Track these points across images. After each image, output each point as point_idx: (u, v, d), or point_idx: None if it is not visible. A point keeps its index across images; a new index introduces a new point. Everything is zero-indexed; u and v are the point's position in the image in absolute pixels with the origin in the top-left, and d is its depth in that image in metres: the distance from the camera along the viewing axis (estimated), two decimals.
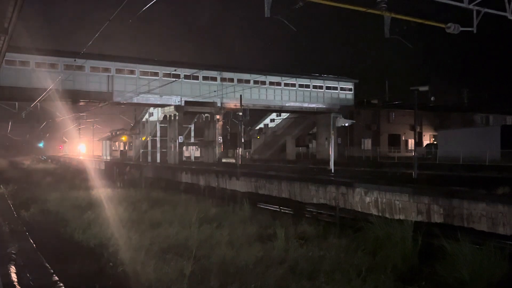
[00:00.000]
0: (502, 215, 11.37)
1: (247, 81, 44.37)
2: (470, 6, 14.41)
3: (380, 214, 13.69)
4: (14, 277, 7.41)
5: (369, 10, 13.78)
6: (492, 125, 55.01)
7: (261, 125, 62.82)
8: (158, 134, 47.21)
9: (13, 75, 34.50)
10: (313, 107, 48.62)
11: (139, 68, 40.31)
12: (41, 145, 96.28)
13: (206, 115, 44.83)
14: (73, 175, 28.14)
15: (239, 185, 23.22)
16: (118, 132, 63.17)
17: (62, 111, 44.31)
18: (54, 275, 7.50)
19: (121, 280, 7.43)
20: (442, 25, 14.77)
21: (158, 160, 46.51)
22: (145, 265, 7.55)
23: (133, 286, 7.16)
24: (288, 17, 13.07)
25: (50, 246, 9.81)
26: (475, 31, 14.82)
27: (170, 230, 10.31)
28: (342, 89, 50.61)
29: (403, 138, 56.39)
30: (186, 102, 41.69)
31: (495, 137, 34.50)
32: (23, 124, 68.24)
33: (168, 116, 43.95)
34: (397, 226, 9.35)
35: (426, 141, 56.17)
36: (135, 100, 39.87)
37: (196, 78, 42.28)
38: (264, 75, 45.44)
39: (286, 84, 46.67)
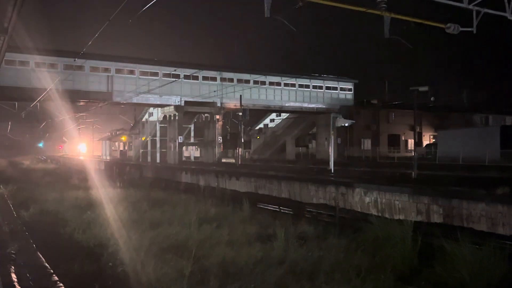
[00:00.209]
0: (502, 215, 11.38)
1: (247, 81, 44.37)
2: (470, 6, 14.43)
3: (380, 214, 13.69)
4: (14, 277, 7.41)
5: (369, 10, 13.79)
6: (492, 125, 55.02)
7: (261, 125, 62.84)
8: (158, 134, 47.21)
9: (13, 75, 34.49)
10: (312, 107, 48.63)
11: (138, 68, 40.31)
12: (40, 145, 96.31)
13: (206, 115, 44.82)
14: (72, 175, 28.13)
15: (239, 185, 23.23)
16: (117, 132, 63.19)
17: (61, 111, 44.30)
18: (54, 275, 7.50)
19: (121, 280, 7.43)
20: (442, 25, 14.78)
21: (158, 160, 46.52)
22: (145, 265, 7.55)
23: (133, 286, 7.16)
24: (287, 17, 13.08)
25: (50, 246, 9.80)
26: (475, 31, 14.83)
27: (170, 230, 10.30)
28: (341, 89, 50.62)
29: (403, 138, 56.40)
30: (186, 102, 41.69)
31: (495, 138, 34.51)
32: (22, 124, 68.22)
33: (168, 116, 43.95)
34: (396, 226, 9.35)
35: (425, 141, 56.17)
36: (134, 100, 39.87)
37: (196, 78, 42.29)
38: (264, 75, 45.43)
39: (286, 84, 46.67)
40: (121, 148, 65.10)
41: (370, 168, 28.02)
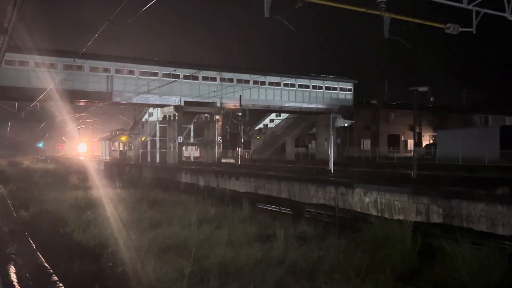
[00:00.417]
0: (501, 216, 11.39)
1: (247, 81, 44.37)
2: (470, 7, 14.44)
3: (380, 215, 13.69)
4: (13, 277, 7.41)
5: (369, 11, 13.80)
6: (491, 125, 55.03)
7: (261, 125, 62.86)
8: (158, 134, 47.21)
9: (13, 75, 34.51)
10: (312, 108, 48.64)
11: (138, 68, 40.32)
12: (40, 145, 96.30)
13: (205, 115, 44.83)
14: (72, 175, 28.12)
15: (239, 185, 23.23)
16: (117, 132, 63.16)
17: (61, 111, 44.31)
18: (54, 275, 7.50)
19: (121, 280, 7.43)
20: (442, 26, 14.79)
21: (158, 160, 46.52)
22: (145, 265, 7.55)
23: (133, 286, 7.16)
24: (287, 18, 13.10)
25: (50, 246, 9.80)
26: (474, 32, 14.85)
27: (169, 230, 10.30)
28: (341, 89, 50.63)
29: (403, 139, 56.43)
30: (185, 102, 41.69)
31: (494, 138, 34.52)
32: (22, 124, 68.22)
33: (167, 116, 43.94)
34: (396, 227, 9.35)
35: (425, 141, 56.20)
36: (134, 100, 39.88)
37: (196, 78, 42.29)
38: (264, 75, 45.44)
39: (285, 84, 46.69)
40: (121, 148, 65.11)
41: (369, 168, 28.02)
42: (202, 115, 45.29)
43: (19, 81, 34.68)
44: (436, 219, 13.03)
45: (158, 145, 47.38)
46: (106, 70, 38.93)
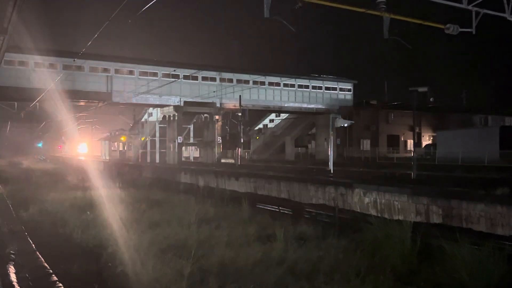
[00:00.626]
0: (501, 216, 11.40)
1: (246, 82, 44.39)
2: (469, 7, 14.44)
3: (379, 215, 13.71)
4: (13, 277, 7.40)
5: (368, 11, 13.81)
6: (491, 126, 55.05)
7: (260, 126, 62.87)
8: (157, 134, 47.21)
9: (12, 75, 34.52)
10: (312, 108, 48.65)
11: (138, 68, 40.33)
12: (40, 145, 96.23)
13: (205, 115, 44.85)
14: (72, 175, 28.10)
15: (238, 186, 23.23)
16: (117, 133, 63.13)
17: (61, 111, 44.29)
18: (53, 275, 7.49)
19: (120, 281, 7.42)
20: (441, 26, 14.80)
21: (157, 161, 46.50)
22: (144, 265, 7.55)
23: (132, 286, 7.16)
24: (287, 18, 13.10)
25: (49, 246, 9.79)
26: (474, 32, 14.85)
27: (169, 230, 10.29)
28: (341, 89, 50.66)
29: (402, 139, 56.43)
30: (185, 102, 41.70)
31: (494, 138, 34.55)
32: (22, 124, 68.20)
33: (167, 116, 43.95)
34: (396, 227, 9.35)
35: (425, 142, 56.20)
36: (134, 100, 39.90)
37: (196, 78, 42.30)
38: (263, 75, 45.46)
39: (285, 85, 46.70)
40: (121, 149, 65.04)
41: (369, 168, 28.04)
42: (202, 115, 45.30)
43: (19, 81, 34.69)
44: (435, 219, 13.04)
45: (157, 145, 47.38)
46: (105, 70, 38.93)
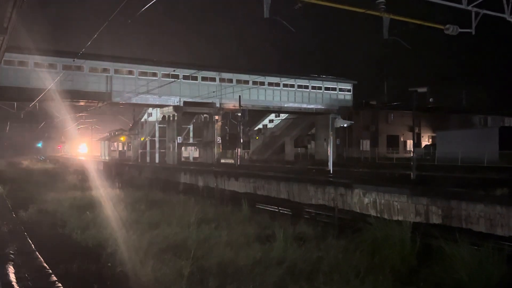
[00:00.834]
0: (500, 216, 11.39)
1: (246, 82, 44.38)
2: (469, 8, 14.45)
3: (379, 215, 13.70)
4: (12, 277, 7.40)
5: (368, 11, 13.81)
6: (491, 126, 55.09)
7: (260, 126, 62.86)
8: (157, 134, 47.18)
9: (12, 75, 34.49)
10: (312, 108, 48.65)
11: (138, 68, 40.31)
12: (39, 145, 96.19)
13: (205, 115, 44.83)
14: (71, 176, 28.10)
15: (238, 186, 23.22)
16: (116, 133, 63.11)
17: (60, 111, 44.29)
18: (53, 276, 7.49)
19: (120, 281, 7.43)
20: (441, 27, 14.81)
21: (157, 161, 46.48)
22: (144, 265, 7.55)
23: (132, 286, 7.16)
24: (286, 18, 13.10)
25: (49, 246, 9.79)
26: (473, 33, 14.86)
27: (168, 230, 10.30)
28: (340, 90, 50.66)
29: (402, 139, 56.43)
30: (185, 102, 41.68)
31: (494, 139, 34.57)
32: (21, 124, 68.15)
33: (167, 116, 43.93)
34: (395, 227, 9.36)
35: (424, 142, 56.21)
36: (133, 101, 39.86)
37: (195, 78, 42.29)
38: (263, 75, 45.46)
39: (285, 85, 46.70)
40: (120, 149, 65.00)
41: (369, 169, 28.03)
42: (202, 115, 45.28)
43: (18, 81, 34.65)
44: (435, 219, 13.03)
45: (157, 145, 47.35)
46: (105, 70, 38.91)
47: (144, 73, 40.54)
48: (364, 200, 15.57)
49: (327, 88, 49.74)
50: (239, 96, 38.86)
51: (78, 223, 11.59)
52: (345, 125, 27.89)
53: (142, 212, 13.20)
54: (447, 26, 14.60)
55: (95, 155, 71.86)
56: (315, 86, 49.06)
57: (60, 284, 7.05)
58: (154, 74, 40.73)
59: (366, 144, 53.20)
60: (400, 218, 13.33)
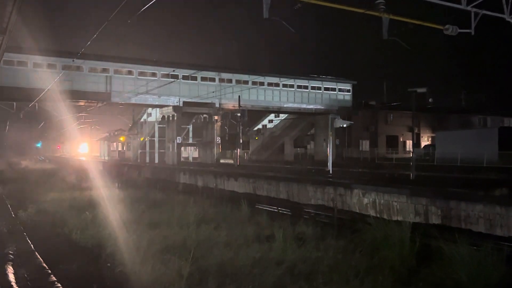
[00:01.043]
0: (500, 217, 11.41)
1: (246, 82, 44.37)
2: (468, 8, 14.46)
3: (378, 215, 13.73)
4: (11, 277, 7.40)
5: (368, 12, 13.82)
6: (490, 126, 55.12)
7: (260, 126, 62.84)
8: (156, 134, 47.18)
9: (11, 75, 34.45)
10: (311, 108, 48.65)
11: (137, 68, 40.29)
12: (38, 145, 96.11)
13: (204, 116, 44.82)
14: (70, 176, 28.08)
15: (237, 186, 23.23)
16: (116, 133, 63.12)
17: (60, 112, 44.25)
18: (52, 276, 7.49)
19: (119, 281, 7.42)
20: (440, 27, 14.81)
21: (156, 161, 46.46)
22: (143, 265, 7.55)
23: (132, 286, 7.15)
24: (286, 18, 13.10)
25: (48, 246, 9.79)
26: (473, 33, 14.86)
27: (168, 230, 10.29)
28: (340, 90, 50.66)
29: (401, 140, 56.48)
30: (184, 102, 41.67)
31: (493, 139, 34.57)
32: (21, 124, 68.10)
33: (166, 116, 43.92)
34: (395, 227, 9.35)
35: (424, 142, 56.24)
36: (133, 101, 39.85)
37: (195, 78, 42.28)
38: (263, 76, 45.46)
39: (284, 85, 46.70)
40: (120, 149, 65.01)
41: (368, 169, 28.05)
42: (201, 115, 45.27)
43: (18, 81, 34.62)
44: (434, 220, 13.04)
45: (156, 145, 47.34)
46: (105, 70, 38.90)
47: (143, 73, 40.53)
48: (363, 200, 15.58)
49: (326, 88, 49.74)
50: (239, 96, 38.86)
51: (77, 223, 11.58)
52: (345, 126, 27.92)
53: (142, 212, 13.19)
54: (447, 26, 14.60)
55: (94, 155, 71.84)
56: (315, 86, 49.07)
57: (59, 284, 7.05)
58: (154, 74, 40.72)
59: (365, 145, 53.24)
60: (400, 218, 13.35)
